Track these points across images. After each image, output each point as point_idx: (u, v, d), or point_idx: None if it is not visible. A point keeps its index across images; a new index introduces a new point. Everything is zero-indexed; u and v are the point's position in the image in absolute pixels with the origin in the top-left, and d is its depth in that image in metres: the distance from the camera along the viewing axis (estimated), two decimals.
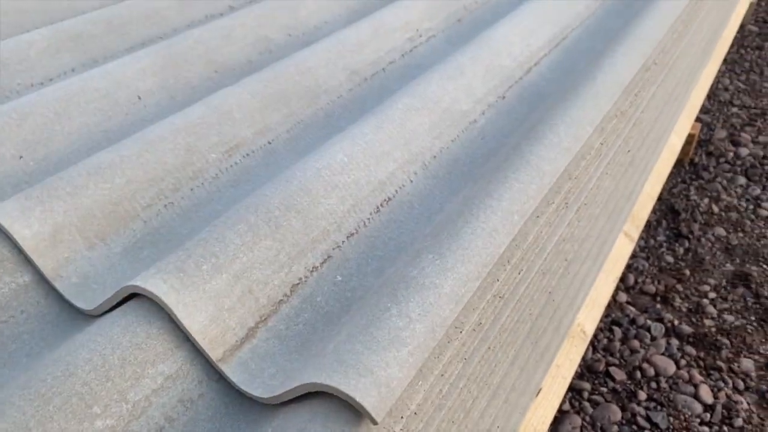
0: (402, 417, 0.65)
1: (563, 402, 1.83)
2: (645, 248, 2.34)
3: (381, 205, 0.89)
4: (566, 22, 1.43)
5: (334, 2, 1.43)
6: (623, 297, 2.15)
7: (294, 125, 1.04)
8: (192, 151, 0.88)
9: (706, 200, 2.58)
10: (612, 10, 1.57)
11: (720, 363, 1.95)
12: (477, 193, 0.88)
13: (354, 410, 0.61)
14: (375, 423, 0.60)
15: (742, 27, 3.87)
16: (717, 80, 3.34)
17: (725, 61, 3.54)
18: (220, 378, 0.68)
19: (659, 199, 2.56)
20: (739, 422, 1.79)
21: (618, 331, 2.03)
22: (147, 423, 0.61)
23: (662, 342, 2.00)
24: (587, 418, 1.78)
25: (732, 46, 3.67)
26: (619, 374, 1.90)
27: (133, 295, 0.69)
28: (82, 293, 0.71)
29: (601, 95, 1.11)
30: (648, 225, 2.43)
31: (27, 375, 0.59)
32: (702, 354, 1.98)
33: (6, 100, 0.94)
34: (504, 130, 1.11)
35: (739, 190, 2.64)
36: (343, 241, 0.83)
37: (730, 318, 2.10)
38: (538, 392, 1.36)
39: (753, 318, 2.10)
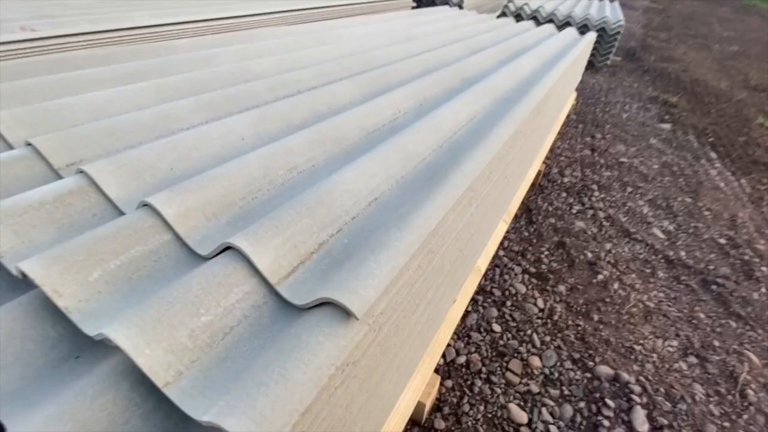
0: (373, 315, 0.61)
1: (468, 307, 1.79)
2: (513, 228, 2.31)
3: (370, 203, 0.84)
4: (477, 108, 1.37)
5: (355, 91, 1.36)
6: (501, 252, 2.12)
7: (328, 157, 0.98)
8: (269, 168, 0.83)
9: (546, 204, 2.54)
10: (501, 101, 1.50)
11: (548, 288, 1.93)
12: (421, 197, 0.82)
13: (346, 312, 0.57)
14: (357, 318, 0.57)
15: (568, 115, 3.80)
16: (554, 143, 3.31)
17: (559, 133, 3.49)
18: (276, 294, 0.63)
19: (522, 203, 2.51)
20: (555, 317, 1.77)
21: (497, 270, 2.00)
22: (232, 318, 0.57)
23: (520, 276, 1.97)
24: (480, 315, 1.76)
25: (563, 125, 3.62)
26: (497, 292, 1.87)
27: (227, 248, 0.64)
28: (201, 246, 0.66)
29: (491, 146, 1.05)
30: (515, 216, 2.39)
31: (162, 292, 0.53)
32: (540, 283, 1.95)
33: (164, 137, 0.88)
34: (440, 163, 1.05)
35: (561, 199, 2.61)
36: (349, 221, 0.78)
37: (554, 265, 2.07)
38: (454, 302, 1.31)
39: (565, 265, 2.08)
